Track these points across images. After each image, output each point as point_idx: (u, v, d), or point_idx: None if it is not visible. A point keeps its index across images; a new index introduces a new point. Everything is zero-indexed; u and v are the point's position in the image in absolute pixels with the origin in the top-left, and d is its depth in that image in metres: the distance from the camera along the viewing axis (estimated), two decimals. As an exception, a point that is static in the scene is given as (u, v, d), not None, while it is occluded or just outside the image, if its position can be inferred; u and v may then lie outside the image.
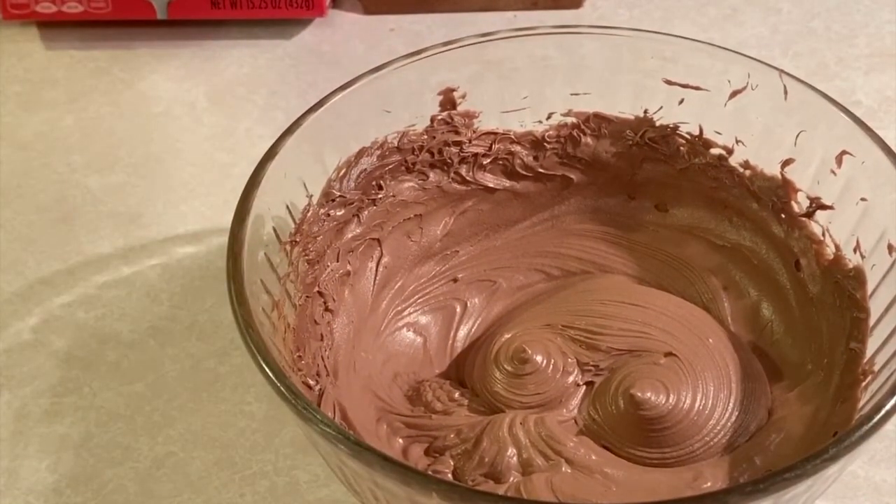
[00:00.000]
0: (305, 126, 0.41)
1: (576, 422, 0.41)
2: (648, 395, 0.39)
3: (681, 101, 0.45)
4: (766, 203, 0.44)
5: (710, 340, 0.41)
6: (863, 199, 0.40)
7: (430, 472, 0.38)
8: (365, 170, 0.45)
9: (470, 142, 0.47)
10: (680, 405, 0.39)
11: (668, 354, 0.41)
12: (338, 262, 0.44)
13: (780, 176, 0.43)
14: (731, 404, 0.40)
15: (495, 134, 0.47)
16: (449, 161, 0.46)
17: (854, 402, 0.37)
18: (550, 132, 0.47)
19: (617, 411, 0.40)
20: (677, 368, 0.40)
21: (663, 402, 0.39)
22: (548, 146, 0.47)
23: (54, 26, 0.67)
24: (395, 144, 0.45)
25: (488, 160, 0.47)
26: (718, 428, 0.39)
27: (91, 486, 0.43)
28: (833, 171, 0.41)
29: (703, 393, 0.39)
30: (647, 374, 0.40)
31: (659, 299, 0.44)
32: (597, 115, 0.47)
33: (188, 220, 0.55)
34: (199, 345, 0.49)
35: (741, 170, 0.45)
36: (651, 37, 0.45)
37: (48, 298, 0.51)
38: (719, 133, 0.45)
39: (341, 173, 0.44)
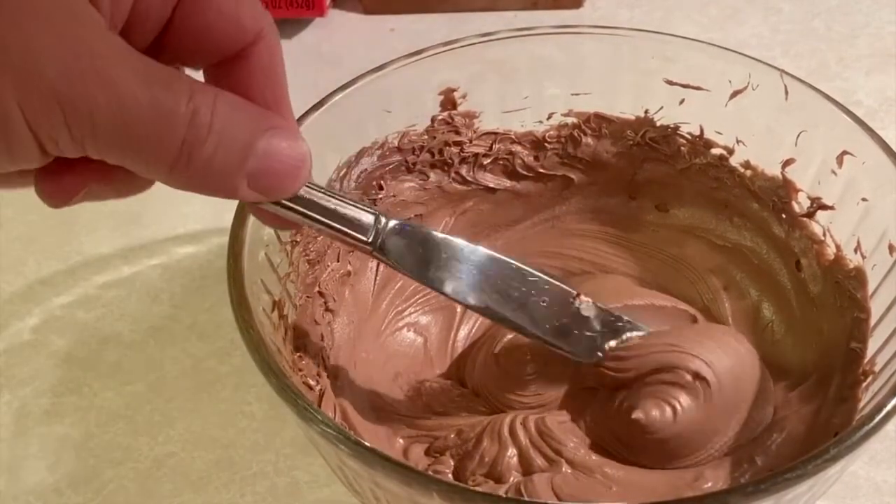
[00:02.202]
0: (305, 126, 0.41)
1: (576, 423, 0.41)
2: (654, 413, 0.38)
3: (681, 101, 0.45)
4: (766, 203, 0.44)
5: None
6: (864, 200, 0.40)
7: (430, 472, 0.38)
8: (365, 170, 0.44)
9: (470, 142, 0.46)
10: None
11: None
12: (338, 262, 0.44)
13: (780, 176, 0.43)
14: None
15: (496, 134, 0.47)
16: (449, 161, 0.46)
17: (855, 402, 0.37)
18: (551, 132, 0.47)
19: (622, 434, 0.39)
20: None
21: (670, 420, 0.38)
22: (548, 146, 0.47)
23: (54, 26, 0.67)
24: (396, 144, 0.45)
25: (489, 160, 0.47)
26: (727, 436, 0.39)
27: (91, 486, 0.43)
28: (834, 172, 0.41)
29: None
30: (650, 394, 0.39)
31: (659, 300, 0.43)
32: (597, 115, 0.47)
33: (188, 220, 0.55)
34: (199, 345, 0.49)
35: (742, 170, 0.45)
36: (651, 37, 0.45)
37: (48, 298, 0.51)
38: (720, 133, 0.45)
39: (342, 173, 0.43)
